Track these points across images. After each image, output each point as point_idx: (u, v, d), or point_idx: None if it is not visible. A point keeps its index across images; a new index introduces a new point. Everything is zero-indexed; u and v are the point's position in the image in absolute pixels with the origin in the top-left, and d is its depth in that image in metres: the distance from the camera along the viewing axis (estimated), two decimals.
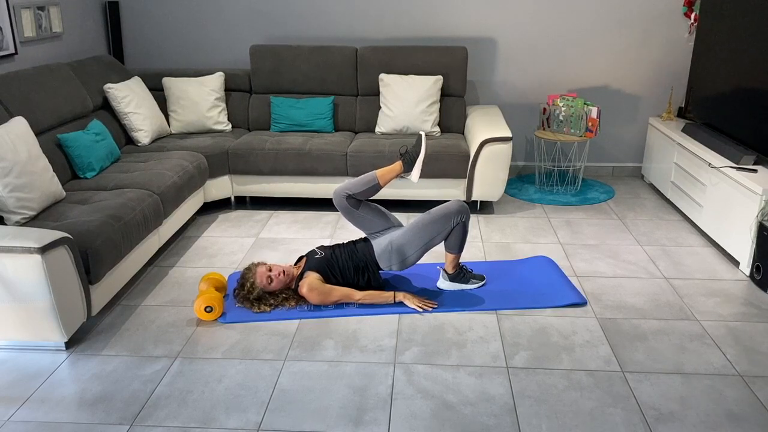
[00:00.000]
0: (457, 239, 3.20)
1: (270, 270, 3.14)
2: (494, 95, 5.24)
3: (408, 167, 3.28)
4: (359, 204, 3.28)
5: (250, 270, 3.16)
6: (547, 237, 4.07)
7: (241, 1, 5.11)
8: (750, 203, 3.47)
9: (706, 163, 3.98)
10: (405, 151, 3.29)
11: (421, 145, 3.26)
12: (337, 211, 4.51)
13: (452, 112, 4.81)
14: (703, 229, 4.00)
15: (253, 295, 3.11)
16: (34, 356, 2.80)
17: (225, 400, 2.50)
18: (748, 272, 3.52)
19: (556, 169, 5.21)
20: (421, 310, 3.15)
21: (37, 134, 3.63)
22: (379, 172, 3.25)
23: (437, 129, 4.68)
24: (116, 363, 2.75)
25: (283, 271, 3.16)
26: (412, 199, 4.50)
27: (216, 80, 4.78)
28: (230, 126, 4.86)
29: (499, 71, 5.18)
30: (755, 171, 3.60)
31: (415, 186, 4.37)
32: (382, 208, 3.36)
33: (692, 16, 4.88)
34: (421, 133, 3.30)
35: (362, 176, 3.27)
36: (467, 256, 3.80)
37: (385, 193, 4.40)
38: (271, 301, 3.14)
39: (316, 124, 4.72)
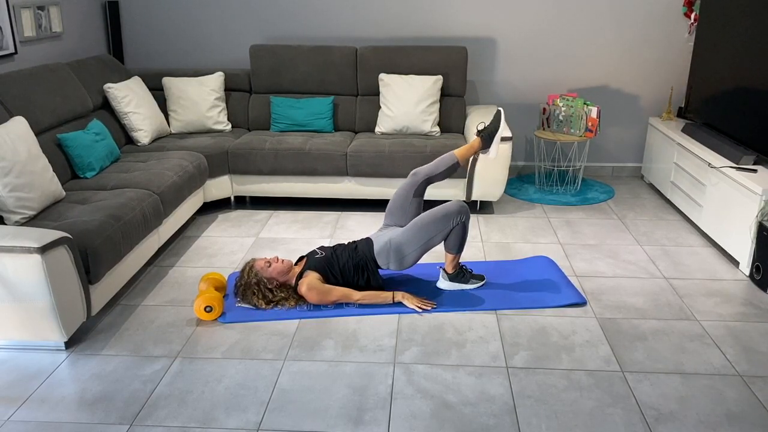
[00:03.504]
0: (456, 239, 3.20)
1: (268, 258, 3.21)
2: (494, 95, 5.24)
3: (486, 144, 3.29)
4: (422, 194, 3.33)
5: (248, 261, 3.21)
6: (547, 237, 4.07)
7: (241, 1, 5.11)
8: (750, 203, 3.47)
9: (706, 163, 3.98)
10: (483, 128, 3.30)
11: (499, 121, 3.28)
12: (337, 210, 4.53)
13: (452, 112, 4.81)
14: (703, 229, 4.00)
15: (253, 279, 3.11)
16: (34, 356, 2.80)
17: (225, 400, 2.50)
18: (747, 272, 3.52)
19: (556, 169, 5.21)
20: (420, 310, 3.15)
21: (37, 134, 3.63)
22: (458, 152, 3.30)
23: (437, 129, 4.68)
24: (116, 363, 2.75)
25: (282, 260, 3.18)
26: None
27: (216, 80, 4.78)
28: (230, 126, 4.86)
29: (499, 71, 5.18)
30: (755, 171, 3.60)
31: None
32: (422, 212, 3.37)
33: (692, 16, 4.88)
34: (499, 108, 3.32)
35: (441, 158, 3.32)
36: (467, 256, 3.80)
37: (384, 193, 4.40)
38: (270, 297, 3.14)
39: (316, 124, 4.72)
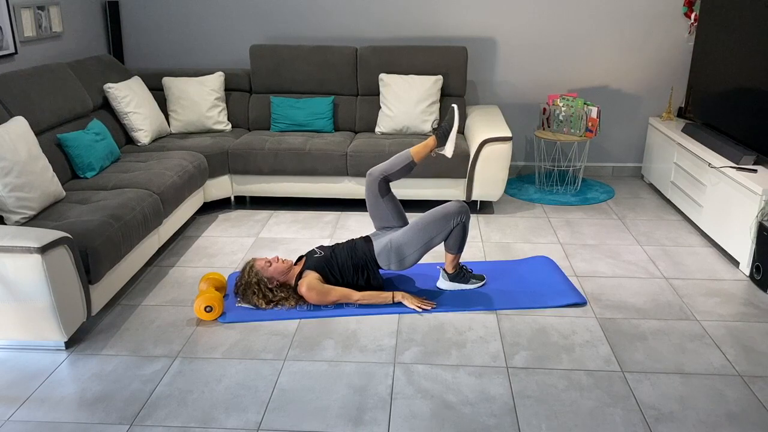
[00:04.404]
0: (456, 240, 3.20)
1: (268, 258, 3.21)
2: (494, 95, 5.24)
3: (441, 141, 3.27)
4: (387, 192, 3.30)
5: (248, 261, 3.21)
6: (547, 237, 4.07)
7: (241, 1, 5.12)
8: (750, 203, 3.47)
9: (706, 163, 3.98)
10: (437, 125, 3.27)
11: (454, 119, 3.23)
12: (337, 210, 4.53)
13: None
14: (703, 229, 4.00)
15: (253, 279, 3.11)
16: (34, 356, 2.80)
17: (225, 400, 2.50)
18: (748, 272, 3.52)
19: (556, 169, 5.21)
20: (420, 310, 3.14)
21: (37, 134, 3.63)
22: (413, 150, 3.26)
23: None
24: (116, 363, 2.75)
25: (282, 259, 3.19)
26: (412, 199, 4.49)
27: (216, 80, 4.78)
28: (230, 126, 4.86)
29: (499, 71, 5.18)
30: (755, 171, 3.60)
31: (415, 186, 4.37)
32: (401, 207, 3.37)
33: (692, 16, 4.88)
34: (453, 106, 3.28)
35: (396, 156, 3.28)
36: (467, 256, 3.80)
37: None
38: (270, 297, 3.14)
39: (316, 124, 4.72)
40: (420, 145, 3.27)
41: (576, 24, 5.02)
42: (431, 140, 3.27)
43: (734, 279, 3.50)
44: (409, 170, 3.27)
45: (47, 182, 3.23)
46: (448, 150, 3.25)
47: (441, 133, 3.24)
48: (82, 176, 3.78)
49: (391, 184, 3.44)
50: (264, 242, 4.00)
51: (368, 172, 3.30)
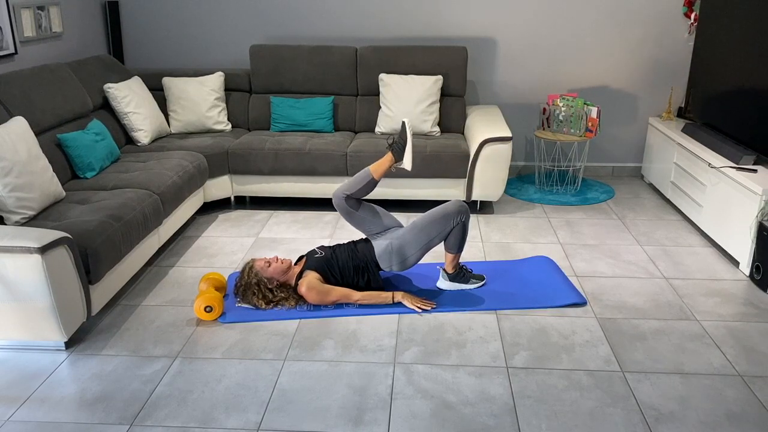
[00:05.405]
0: (456, 239, 3.20)
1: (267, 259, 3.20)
2: (494, 95, 5.24)
3: (398, 156, 3.27)
4: (359, 205, 3.28)
5: (248, 262, 3.21)
6: (547, 237, 4.07)
7: (241, 1, 5.12)
8: (750, 203, 3.47)
9: (706, 163, 3.98)
10: (392, 141, 3.29)
11: (406, 132, 3.25)
12: (337, 210, 4.52)
13: (452, 112, 4.81)
14: (703, 229, 4.00)
15: (253, 279, 3.11)
16: (34, 356, 2.80)
17: (225, 400, 2.50)
18: (747, 272, 3.52)
19: (556, 169, 5.21)
20: (420, 310, 3.15)
21: (37, 134, 3.63)
22: (373, 167, 3.25)
23: (437, 129, 4.68)
24: (116, 363, 2.75)
25: (281, 259, 3.19)
26: (412, 199, 4.49)
27: (216, 80, 4.78)
28: (230, 126, 4.86)
29: (499, 71, 5.18)
30: (755, 171, 3.60)
31: (415, 186, 4.37)
32: (382, 209, 3.36)
33: (692, 16, 4.88)
34: (404, 120, 3.29)
35: (357, 175, 3.27)
36: (467, 256, 3.80)
37: (384, 193, 4.40)
38: (270, 297, 3.14)
39: (316, 124, 4.72)
40: (378, 163, 3.25)
41: (576, 24, 5.02)
42: (388, 156, 3.26)
43: (734, 279, 3.50)
44: (371, 188, 3.26)
45: (47, 182, 3.23)
46: (407, 163, 3.25)
47: (397, 148, 3.25)
48: (82, 176, 3.77)
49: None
50: (264, 242, 4.00)
51: (333, 194, 3.29)
